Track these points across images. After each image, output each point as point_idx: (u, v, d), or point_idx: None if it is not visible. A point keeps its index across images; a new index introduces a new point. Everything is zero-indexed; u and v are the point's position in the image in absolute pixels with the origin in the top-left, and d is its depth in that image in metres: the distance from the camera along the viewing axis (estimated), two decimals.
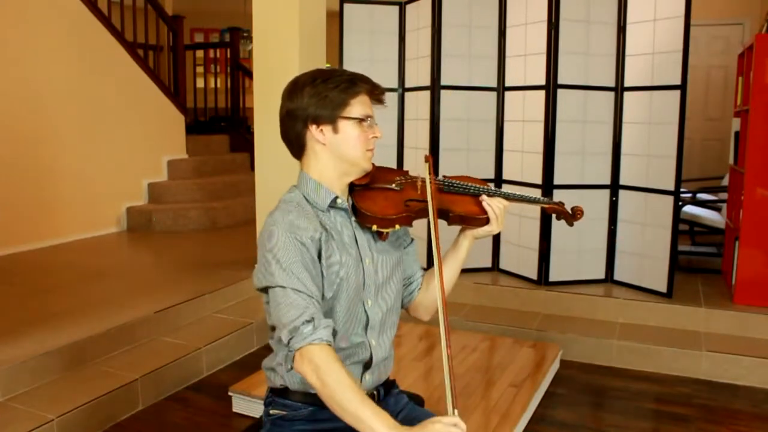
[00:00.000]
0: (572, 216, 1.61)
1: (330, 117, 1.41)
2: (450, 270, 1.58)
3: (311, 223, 1.38)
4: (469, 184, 1.57)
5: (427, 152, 4.15)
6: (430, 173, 1.49)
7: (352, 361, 1.46)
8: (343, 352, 1.43)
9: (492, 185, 1.63)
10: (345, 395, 1.23)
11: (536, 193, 3.83)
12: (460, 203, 1.53)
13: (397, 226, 1.47)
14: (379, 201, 1.48)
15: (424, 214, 1.48)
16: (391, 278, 1.52)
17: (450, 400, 1.22)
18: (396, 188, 1.53)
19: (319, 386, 1.26)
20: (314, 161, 1.45)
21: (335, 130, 1.42)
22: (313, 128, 1.42)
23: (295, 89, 1.44)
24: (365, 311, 1.46)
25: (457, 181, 1.57)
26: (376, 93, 1.47)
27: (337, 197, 1.45)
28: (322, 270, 1.39)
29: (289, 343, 1.30)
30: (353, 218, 1.48)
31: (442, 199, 1.52)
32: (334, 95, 1.40)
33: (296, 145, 1.47)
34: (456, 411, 1.22)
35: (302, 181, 1.47)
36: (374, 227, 1.46)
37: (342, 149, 1.43)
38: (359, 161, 1.45)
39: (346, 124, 1.41)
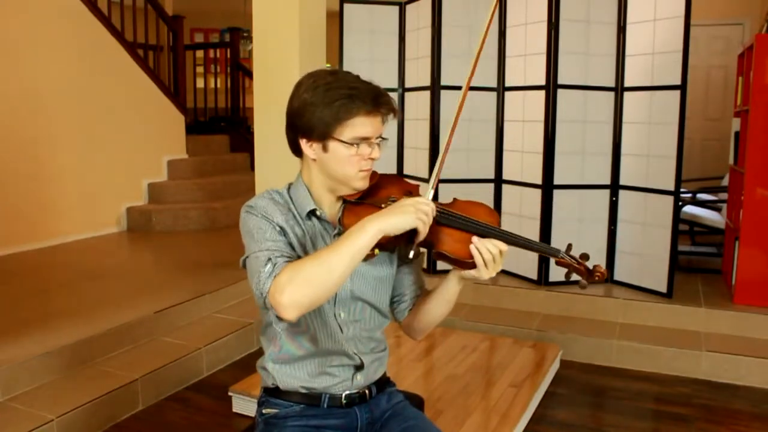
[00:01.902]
0: (590, 275, 1.38)
1: (321, 135, 1.32)
2: (436, 308, 1.46)
3: (281, 215, 1.36)
4: (471, 219, 1.36)
5: (427, 152, 4.15)
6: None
7: (341, 363, 1.43)
8: (329, 357, 1.42)
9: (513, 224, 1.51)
10: (328, 260, 1.19)
11: (536, 193, 3.84)
12: (448, 240, 1.34)
13: (377, 251, 1.30)
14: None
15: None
16: (370, 295, 1.44)
17: (432, 183, 1.34)
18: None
19: (310, 282, 1.18)
20: (306, 169, 1.42)
21: (324, 149, 1.34)
22: (303, 142, 1.36)
23: (296, 92, 1.36)
24: (338, 324, 1.41)
25: (457, 213, 1.36)
26: (380, 111, 1.33)
27: (316, 209, 1.39)
28: None
29: (261, 293, 1.23)
30: (335, 231, 1.41)
31: (431, 230, 1.31)
32: (327, 113, 1.30)
33: (294, 149, 1.43)
34: (431, 193, 1.32)
35: (295, 183, 1.45)
36: None
37: (331, 168, 1.35)
38: (349, 182, 1.36)
39: (337, 144, 1.32)
